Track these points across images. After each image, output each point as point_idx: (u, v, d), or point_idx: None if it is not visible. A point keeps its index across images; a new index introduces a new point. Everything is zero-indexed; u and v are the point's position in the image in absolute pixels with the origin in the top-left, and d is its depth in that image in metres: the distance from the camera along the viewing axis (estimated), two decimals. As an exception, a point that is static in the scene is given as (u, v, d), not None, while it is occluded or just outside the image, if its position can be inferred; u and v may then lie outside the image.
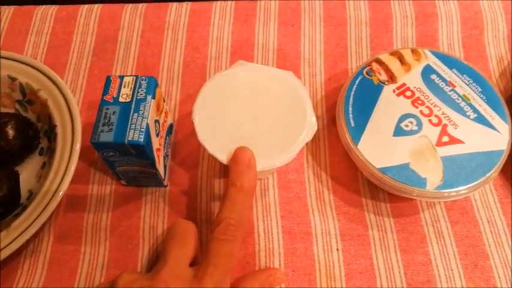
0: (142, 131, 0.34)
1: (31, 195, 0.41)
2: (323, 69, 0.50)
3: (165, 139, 0.41)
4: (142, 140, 0.34)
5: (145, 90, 0.36)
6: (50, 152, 0.41)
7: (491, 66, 0.49)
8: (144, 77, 0.37)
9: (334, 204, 0.42)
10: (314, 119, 0.37)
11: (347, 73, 0.50)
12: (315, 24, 0.53)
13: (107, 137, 0.34)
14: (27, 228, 0.37)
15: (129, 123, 0.34)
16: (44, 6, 0.54)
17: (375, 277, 0.39)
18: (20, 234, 0.36)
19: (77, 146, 0.40)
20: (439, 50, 0.44)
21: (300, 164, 0.44)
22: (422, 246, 0.40)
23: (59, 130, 0.41)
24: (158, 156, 0.38)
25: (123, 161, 0.37)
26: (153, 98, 0.36)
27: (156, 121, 0.37)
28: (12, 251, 0.36)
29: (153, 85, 0.37)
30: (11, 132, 0.41)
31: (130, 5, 0.54)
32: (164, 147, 0.41)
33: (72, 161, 0.39)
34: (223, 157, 0.35)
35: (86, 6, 0.54)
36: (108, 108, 0.35)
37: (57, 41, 0.52)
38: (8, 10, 0.54)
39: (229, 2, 0.54)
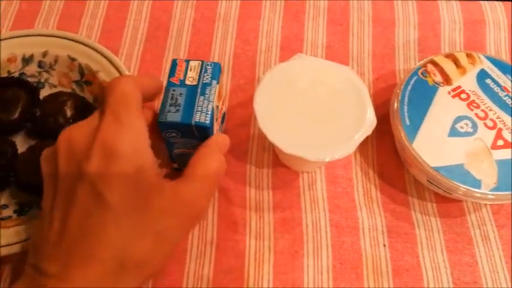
0: (208, 114, 0.35)
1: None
2: (371, 68, 0.51)
3: (220, 126, 0.42)
4: (208, 122, 0.34)
5: (210, 75, 0.37)
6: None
7: (540, 75, 0.50)
8: (209, 62, 0.37)
9: (381, 201, 0.43)
10: (373, 114, 0.37)
11: (394, 74, 0.50)
12: (363, 24, 0.54)
13: (174, 117, 0.34)
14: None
15: (196, 105, 0.35)
16: (97, -8, 0.55)
17: (421, 275, 0.39)
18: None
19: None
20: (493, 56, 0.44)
21: (348, 160, 0.45)
22: (468, 247, 0.40)
23: (117, 111, 0.42)
24: None
25: (183, 142, 0.38)
26: (218, 83, 0.37)
27: (217, 106, 0.38)
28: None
29: (217, 70, 0.37)
30: (69, 111, 0.42)
31: (181, -4, 0.55)
32: None
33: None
34: (281, 145, 0.36)
35: (138, -6, 0.55)
36: (174, 90, 0.36)
37: (111, 26, 0.53)
38: (63, -7, 0.55)
39: (279, -3, 0.55)
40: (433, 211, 0.42)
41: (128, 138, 0.28)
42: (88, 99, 0.45)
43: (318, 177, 0.44)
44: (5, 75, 0.45)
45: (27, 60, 0.46)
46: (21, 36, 0.46)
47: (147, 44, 0.51)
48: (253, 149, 0.45)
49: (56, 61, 0.45)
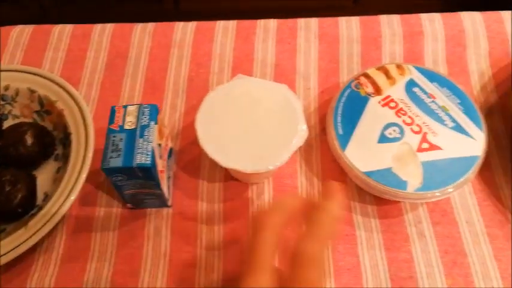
0: (148, 154, 0.37)
1: (46, 197, 0.44)
2: (317, 83, 0.54)
3: (167, 162, 0.45)
4: (149, 162, 0.37)
5: (148, 117, 0.40)
6: (65, 157, 0.45)
7: (473, 80, 0.53)
8: (146, 105, 0.40)
9: (325, 206, 0.45)
10: (305, 126, 0.40)
11: (338, 86, 0.53)
12: (310, 41, 0.57)
13: (116, 162, 0.37)
14: (42, 227, 0.40)
15: (136, 148, 0.38)
16: (61, 25, 0.59)
17: (361, 273, 0.42)
18: (36, 232, 0.40)
19: (90, 154, 0.43)
20: (422, 66, 0.48)
21: (294, 170, 0.48)
22: (405, 245, 0.43)
23: (73, 137, 0.45)
24: (162, 178, 0.41)
25: (131, 184, 0.40)
26: (156, 123, 0.40)
27: (159, 145, 0.41)
28: (28, 247, 0.39)
29: (155, 112, 0.40)
30: (29, 139, 0.45)
31: (140, 24, 0.59)
32: (167, 169, 0.44)
33: (84, 167, 0.43)
34: (220, 160, 0.39)
35: (99, 26, 0.59)
36: (115, 136, 0.38)
37: (73, 57, 0.56)
38: (28, 29, 0.59)
39: (232, 21, 0.59)
40: (373, 213, 0.45)
41: None
42: (48, 127, 0.48)
43: (266, 187, 0.47)
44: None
45: (-10, 95, 0.49)
46: (-16, 72, 0.49)
47: (106, 73, 0.55)
48: (206, 166, 0.48)
49: (17, 94, 0.48)
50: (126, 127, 0.39)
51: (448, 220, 0.44)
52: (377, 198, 0.46)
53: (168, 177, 0.45)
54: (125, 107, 0.40)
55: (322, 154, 0.49)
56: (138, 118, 0.40)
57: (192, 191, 0.47)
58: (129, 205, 0.45)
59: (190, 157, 0.49)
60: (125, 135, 0.38)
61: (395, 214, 0.45)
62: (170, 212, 0.45)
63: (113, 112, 0.40)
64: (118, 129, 0.39)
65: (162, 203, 0.44)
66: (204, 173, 0.48)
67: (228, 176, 0.47)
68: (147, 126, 0.39)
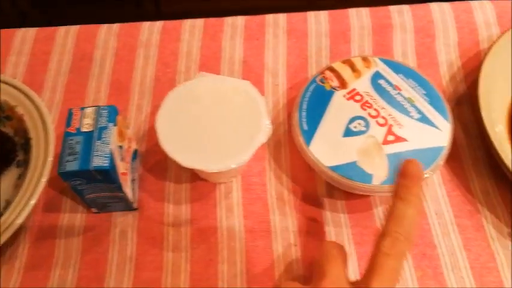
0: (106, 157, 0.36)
1: (8, 205, 0.43)
2: (285, 79, 0.53)
3: (131, 164, 0.44)
4: (107, 164, 0.36)
5: (106, 119, 0.38)
6: (26, 163, 0.44)
7: (442, 71, 0.53)
8: (104, 106, 0.39)
9: (293, 203, 0.45)
10: (268, 122, 0.40)
11: (307, 82, 0.53)
12: (278, 37, 0.56)
13: (72, 166, 0.36)
14: (2, 233, 0.39)
15: (93, 150, 0.37)
16: (24, 29, 0.58)
17: (330, 269, 0.41)
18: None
19: (50, 158, 0.42)
20: (388, 58, 0.47)
21: (262, 167, 0.47)
22: (375, 239, 0.42)
23: (33, 142, 0.44)
24: (125, 180, 0.40)
25: (91, 188, 0.39)
26: (115, 125, 0.39)
27: (120, 147, 0.40)
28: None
29: (113, 113, 0.39)
30: (-11, 146, 0.44)
31: (106, 25, 0.58)
32: (130, 172, 0.43)
33: (44, 172, 0.41)
34: (181, 160, 0.38)
35: (63, 28, 0.58)
36: (72, 139, 0.37)
37: (36, 61, 0.55)
38: (-9, 33, 0.57)
39: (199, 19, 0.58)
40: (341, 208, 0.44)
41: None
42: (9, 133, 0.47)
43: (234, 186, 0.46)
44: None
45: (-51, 102, 0.47)
46: None
47: (71, 75, 0.54)
48: (172, 167, 0.47)
49: (-24, 100, 0.47)
50: (84, 129, 0.38)
51: (417, 212, 0.44)
52: (346, 193, 0.45)
53: (133, 180, 0.44)
54: (82, 109, 0.39)
55: (291, 151, 0.48)
56: (96, 120, 0.39)
57: (158, 193, 0.46)
58: (93, 209, 0.44)
59: (157, 158, 0.48)
60: (82, 138, 0.37)
61: (364, 208, 0.44)
62: (136, 214, 0.44)
63: (70, 115, 0.39)
64: (75, 131, 0.38)
65: (127, 206, 0.43)
66: (170, 174, 0.47)
67: (195, 177, 0.47)
68: (106, 128, 0.38)
